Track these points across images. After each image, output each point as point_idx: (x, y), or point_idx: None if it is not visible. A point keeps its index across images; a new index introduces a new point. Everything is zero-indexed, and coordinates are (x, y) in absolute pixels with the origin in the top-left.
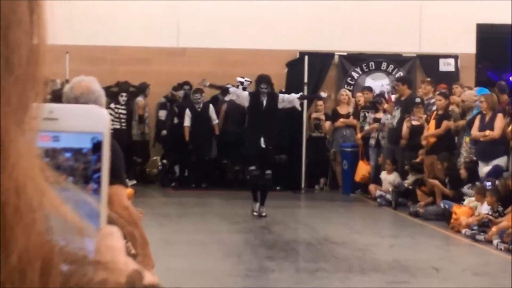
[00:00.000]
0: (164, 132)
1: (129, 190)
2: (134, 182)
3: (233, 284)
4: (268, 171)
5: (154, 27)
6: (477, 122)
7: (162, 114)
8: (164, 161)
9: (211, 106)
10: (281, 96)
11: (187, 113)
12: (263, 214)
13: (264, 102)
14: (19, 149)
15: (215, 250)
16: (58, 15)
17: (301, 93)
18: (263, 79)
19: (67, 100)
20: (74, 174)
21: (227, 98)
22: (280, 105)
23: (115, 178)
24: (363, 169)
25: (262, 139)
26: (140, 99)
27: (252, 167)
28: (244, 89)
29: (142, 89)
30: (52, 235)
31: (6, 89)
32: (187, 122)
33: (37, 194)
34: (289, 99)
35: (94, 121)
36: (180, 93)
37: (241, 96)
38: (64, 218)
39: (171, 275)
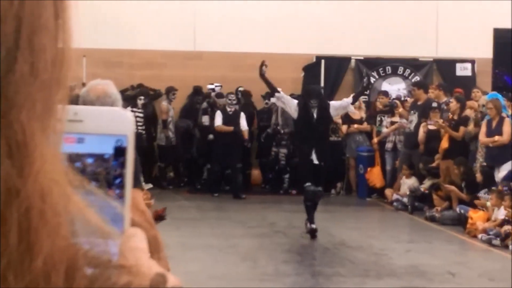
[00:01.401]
0: (211, 136)
1: (145, 193)
2: (150, 186)
3: (249, 284)
4: (319, 188)
5: (171, 30)
6: (483, 128)
7: (206, 119)
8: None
9: (242, 113)
10: (332, 104)
11: (218, 113)
12: (314, 226)
13: (315, 114)
14: (44, 153)
15: (231, 254)
16: (75, 19)
17: (352, 95)
18: (313, 94)
19: (84, 103)
20: (96, 179)
21: (272, 100)
22: (333, 114)
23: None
24: (375, 175)
25: (314, 155)
26: (164, 104)
27: (308, 184)
28: (217, 95)
29: (166, 93)
30: (76, 238)
31: (31, 94)
32: (218, 121)
33: (62, 198)
34: (342, 106)
35: (118, 123)
36: (222, 101)
37: (289, 105)
38: (89, 221)
39: (189, 279)
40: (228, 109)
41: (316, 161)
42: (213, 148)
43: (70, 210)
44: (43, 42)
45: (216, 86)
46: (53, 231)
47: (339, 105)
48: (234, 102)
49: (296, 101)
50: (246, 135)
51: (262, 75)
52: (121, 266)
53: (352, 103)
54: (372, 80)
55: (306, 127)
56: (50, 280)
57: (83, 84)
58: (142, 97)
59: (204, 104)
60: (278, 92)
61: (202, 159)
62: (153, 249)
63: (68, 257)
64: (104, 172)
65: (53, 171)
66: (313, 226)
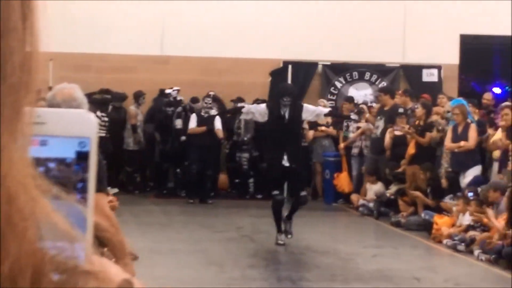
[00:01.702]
0: (183, 138)
1: (112, 198)
2: (116, 190)
3: None
4: (303, 193)
5: (139, 35)
6: (449, 134)
7: (179, 123)
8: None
9: (217, 116)
10: (306, 106)
11: (193, 116)
12: (289, 236)
13: (286, 115)
14: (11, 157)
15: (198, 259)
16: (43, 21)
17: (329, 109)
18: (286, 92)
19: (50, 107)
20: (59, 183)
21: (242, 117)
22: (304, 116)
23: (97, 186)
24: (341, 180)
25: (285, 157)
26: (132, 108)
27: (276, 192)
28: (192, 99)
29: (135, 97)
30: (43, 243)
31: None
32: (192, 124)
33: (29, 202)
34: (315, 112)
35: (82, 125)
36: (198, 105)
37: (258, 112)
38: (55, 226)
39: (155, 284)
40: (203, 113)
41: (287, 164)
42: (189, 153)
43: (37, 215)
44: (11, 45)
45: (173, 90)
46: (19, 235)
47: (313, 111)
48: (210, 105)
49: (264, 105)
50: (220, 134)
51: (222, 114)
52: (88, 272)
53: (326, 115)
54: (339, 85)
55: (277, 128)
56: (16, 285)
57: (49, 88)
58: (112, 102)
59: (179, 108)
60: (241, 108)
61: (166, 164)
62: (119, 253)
63: (35, 262)
64: (65, 177)
65: (20, 175)
66: (281, 242)
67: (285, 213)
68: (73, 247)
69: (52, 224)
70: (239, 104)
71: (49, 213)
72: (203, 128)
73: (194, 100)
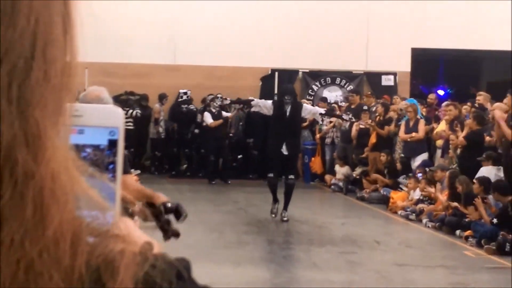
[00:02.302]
0: (196, 130)
1: (134, 177)
2: (139, 171)
3: (217, 254)
4: (291, 176)
5: (155, 47)
6: (403, 127)
7: (199, 118)
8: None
9: (223, 112)
10: (305, 106)
11: (207, 114)
12: (285, 218)
13: (288, 112)
14: (55, 143)
15: (202, 227)
16: (79, 36)
17: (325, 110)
18: (287, 91)
19: None
20: (93, 165)
21: (252, 110)
22: (304, 114)
23: (124, 169)
24: (317, 164)
25: (284, 147)
26: (156, 106)
27: (270, 174)
28: (188, 97)
29: (159, 98)
30: (81, 212)
31: (44, 96)
32: (209, 119)
33: (69, 180)
34: (313, 111)
35: (111, 118)
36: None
37: (265, 106)
38: (90, 199)
39: (168, 247)
40: (213, 110)
41: (285, 152)
42: (208, 143)
43: (76, 190)
44: (54, 54)
45: (187, 91)
46: (61, 206)
47: (310, 109)
48: (219, 104)
49: (270, 101)
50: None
51: (232, 103)
52: (117, 235)
53: (321, 114)
54: (315, 88)
55: (279, 122)
56: (58, 246)
57: (85, 90)
58: (140, 101)
59: (192, 107)
60: (252, 100)
61: (185, 150)
62: (156, 198)
63: (74, 228)
64: (100, 159)
65: (62, 158)
66: (284, 215)
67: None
68: (105, 215)
69: (87, 197)
70: (250, 97)
71: (85, 188)
72: (221, 121)
73: (203, 100)
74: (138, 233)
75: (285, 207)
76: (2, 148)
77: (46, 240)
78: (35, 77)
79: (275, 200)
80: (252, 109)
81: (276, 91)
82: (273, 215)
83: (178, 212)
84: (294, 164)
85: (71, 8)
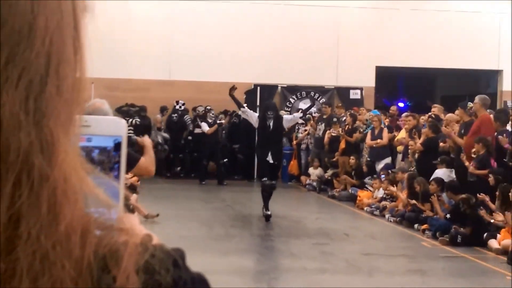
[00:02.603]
0: (190, 137)
1: (134, 178)
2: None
3: (207, 245)
4: (273, 182)
5: (152, 65)
6: (369, 135)
7: (191, 127)
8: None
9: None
10: (285, 117)
11: (203, 124)
12: (268, 213)
13: (271, 125)
14: (66, 149)
15: (194, 222)
16: (87, 55)
17: (300, 110)
18: (270, 107)
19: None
20: (101, 165)
21: (240, 113)
22: (285, 125)
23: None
24: (294, 166)
25: (270, 156)
26: (158, 116)
27: (265, 179)
28: (184, 108)
29: (161, 110)
30: (89, 209)
31: (57, 108)
32: (205, 128)
33: (79, 181)
34: (293, 119)
35: (116, 127)
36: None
37: (251, 117)
38: (97, 197)
39: (164, 239)
40: (210, 120)
41: (271, 161)
42: (202, 148)
43: (84, 189)
44: (65, 72)
45: (181, 103)
46: (72, 205)
47: (290, 118)
48: (213, 115)
49: (257, 114)
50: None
51: (231, 95)
52: (121, 229)
53: (301, 117)
54: (292, 101)
55: (264, 134)
56: (70, 239)
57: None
58: (140, 112)
59: (187, 117)
60: (243, 107)
61: (179, 155)
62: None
63: (83, 223)
64: (106, 160)
65: (72, 162)
66: (268, 212)
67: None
68: (110, 212)
69: (95, 195)
70: (244, 105)
71: (92, 188)
72: (216, 126)
73: (194, 109)
74: (140, 227)
75: (267, 206)
76: (20, 154)
77: (59, 234)
78: (49, 91)
79: (267, 207)
80: (240, 114)
81: (258, 104)
82: (268, 213)
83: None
84: (277, 171)
85: (80, 32)
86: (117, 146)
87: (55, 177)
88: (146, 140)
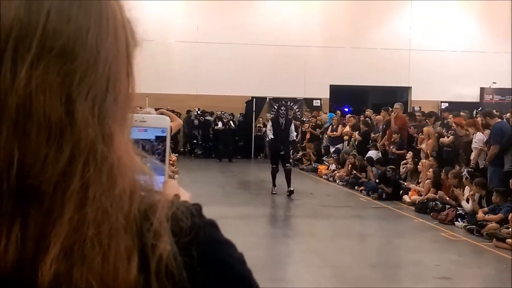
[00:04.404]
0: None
1: (173, 157)
2: (176, 155)
3: (221, 200)
4: (287, 165)
5: (184, 83)
6: (329, 129)
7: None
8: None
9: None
10: (293, 123)
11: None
12: (291, 189)
13: (283, 124)
14: (120, 139)
15: (213, 185)
16: (138, 76)
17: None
18: (282, 105)
19: None
20: (156, 150)
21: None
22: (290, 128)
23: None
24: None
25: (281, 147)
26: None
27: (274, 165)
28: (204, 113)
29: (187, 112)
30: (137, 178)
31: (114, 112)
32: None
33: (129, 160)
34: (293, 133)
35: (163, 122)
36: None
37: (269, 128)
38: (143, 171)
39: (194, 196)
40: (225, 120)
41: (282, 152)
42: (219, 139)
43: (133, 165)
44: (120, 88)
45: (203, 110)
46: (123, 176)
47: (292, 129)
48: (228, 118)
49: (271, 122)
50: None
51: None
52: (157, 191)
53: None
54: (275, 107)
55: (277, 130)
56: (122, 199)
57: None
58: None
59: (209, 118)
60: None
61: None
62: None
63: (131, 188)
64: (159, 146)
65: (125, 147)
66: (273, 191)
67: (278, 177)
68: (152, 179)
69: (141, 168)
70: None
71: (140, 164)
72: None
73: (211, 114)
74: (172, 191)
75: (289, 185)
76: (88, 143)
77: (114, 196)
78: (109, 101)
79: (274, 184)
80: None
81: (254, 110)
82: (274, 192)
83: None
84: (288, 158)
85: (131, 61)
86: (158, 138)
87: (112, 158)
88: (167, 112)
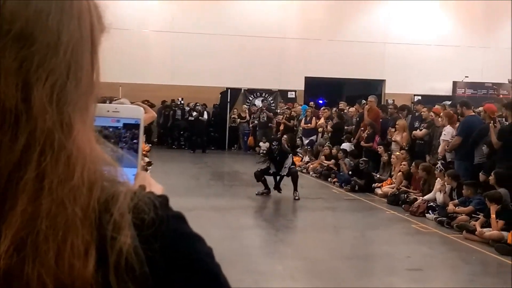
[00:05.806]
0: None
1: (146, 147)
2: (150, 145)
3: (194, 191)
4: (292, 166)
5: (159, 73)
6: (303, 121)
7: (193, 115)
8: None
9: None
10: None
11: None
12: (296, 197)
13: (278, 158)
14: (80, 128)
15: (186, 176)
16: (114, 63)
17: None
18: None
19: None
20: (125, 140)
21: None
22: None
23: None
24: (251, 141)
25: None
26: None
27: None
28: (182, 103)
29: (162, 103)
30: (100, 168)
31: (74, 99)
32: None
33: (90, 149)
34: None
35: (136, 112)
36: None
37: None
38: (104, 160)
39: (167, 188)
40: (201, 110)
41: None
42: (196, 130)
43: (95, 155)
44: (82, 75)
45: (181, 99)
46: (82, 166)
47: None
48: (203, 108)
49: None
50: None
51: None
52: (122, 183)
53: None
54: (251, 99)
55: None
56: (79, 190)
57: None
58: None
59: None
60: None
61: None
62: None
63: (91, 178)
64: (127, 134)
65: (86, 136)
66: (296, 195)
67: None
68: (116, 170)
69: (103, 158)
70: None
71: (101, 153)
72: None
73: (186, 105)
74: (138, 182)
75: (295, 189)
76: (45, 130)
77: (71, 187)
78: (69, 88)
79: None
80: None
81: (229, 101)
82: (256, 194)
83: None
84: (289, 161)
85: (96, 47)
86: (135, 126)
87: (70, 147)
88: (141, 104)
